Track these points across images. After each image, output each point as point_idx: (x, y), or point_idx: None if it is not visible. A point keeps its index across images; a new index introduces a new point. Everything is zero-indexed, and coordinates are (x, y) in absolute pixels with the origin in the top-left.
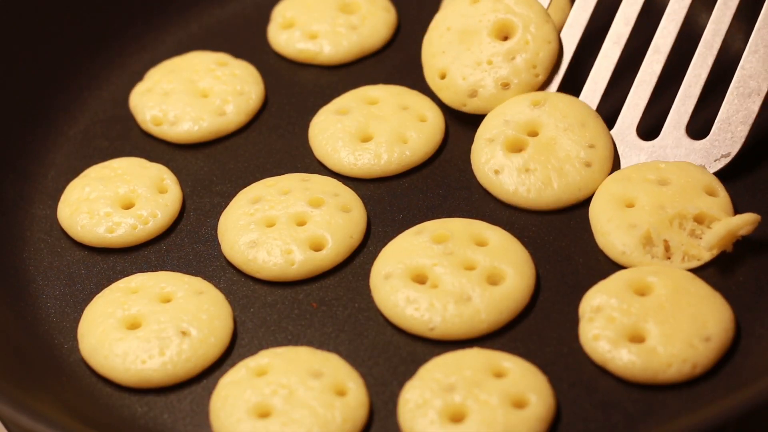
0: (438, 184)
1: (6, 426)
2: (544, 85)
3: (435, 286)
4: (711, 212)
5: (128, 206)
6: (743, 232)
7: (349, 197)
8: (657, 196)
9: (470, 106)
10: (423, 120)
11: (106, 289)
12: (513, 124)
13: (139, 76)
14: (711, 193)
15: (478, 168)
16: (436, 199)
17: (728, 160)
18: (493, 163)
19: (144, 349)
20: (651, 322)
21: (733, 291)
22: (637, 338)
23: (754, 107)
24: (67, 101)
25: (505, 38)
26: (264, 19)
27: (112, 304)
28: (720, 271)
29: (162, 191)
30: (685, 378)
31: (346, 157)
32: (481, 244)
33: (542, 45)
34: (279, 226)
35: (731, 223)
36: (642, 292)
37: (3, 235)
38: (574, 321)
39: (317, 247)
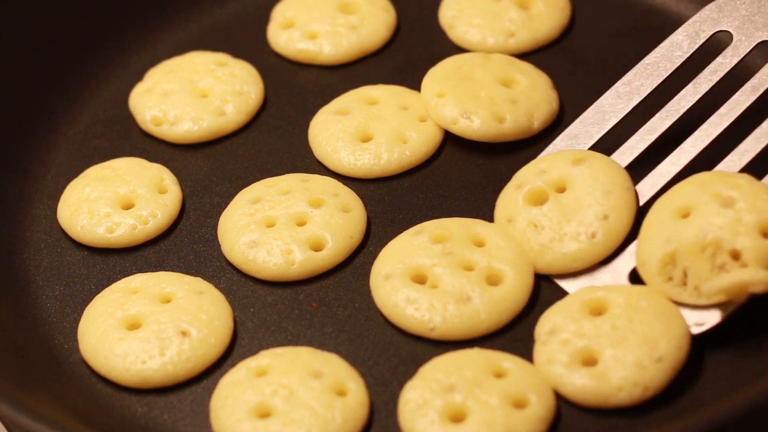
0: (438, 184)
1: (6, 426)
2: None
3: (435, 286)
4: (744, 255)
5: (128, 206)
6: (754, 290)
7: (349, 197)
8: (710, 216)
9: (460, 125)
10: (423, 120)
11: (106, 289)
12: (546, 176)
13: (138, 76)
14: (766, 233)
15: (496, 212)
16: (436, 199)
17: None
18: (508, 211)
19: (144, 349)
20: (603, 344)
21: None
22: (590, 361)
23: None
24: (67, 101)
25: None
26: (264, 19)
27: (112, 304)
28: None
29: (162, 191)
30: (637, 401)
31: (346, 158)
32: (479, 244)
33: (543, 103)
34: (279, 226)
35: (740, 277)
36: (598, 311)
37: (3, 236)
38: None
39: (317, 247)
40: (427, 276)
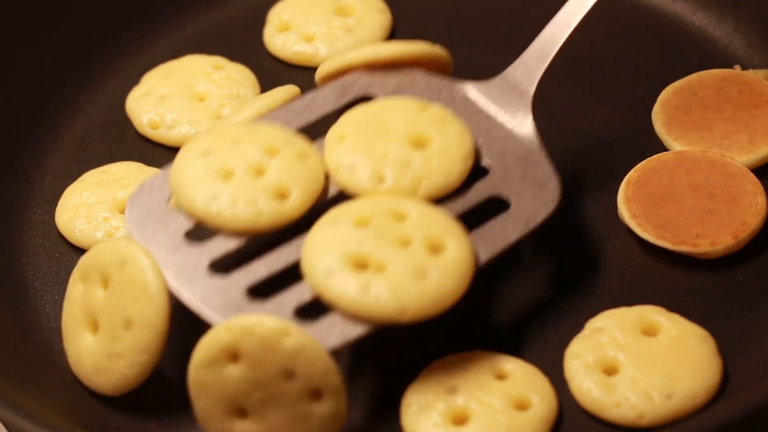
0: None
1: (9, 430)
2: None
3: (382, 270)
4: None
5: None
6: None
7: (303, 144)
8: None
9: None
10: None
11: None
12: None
13: (135, 80)
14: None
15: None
16: None
17: None
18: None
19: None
20: (630, 361)
21: (733, 290)
22: (610, 371)
23: None
24: (64, 105)
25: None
26: (260, 21)
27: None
28: (721, 269)
29: None
30: (629, 424)
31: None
32: (402, 217)
33: None
34: (238, 176)
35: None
36: (650, 331)
37: (0, 241)
38: (575, 322)
39: (282, 196)
40: (368, 261)
